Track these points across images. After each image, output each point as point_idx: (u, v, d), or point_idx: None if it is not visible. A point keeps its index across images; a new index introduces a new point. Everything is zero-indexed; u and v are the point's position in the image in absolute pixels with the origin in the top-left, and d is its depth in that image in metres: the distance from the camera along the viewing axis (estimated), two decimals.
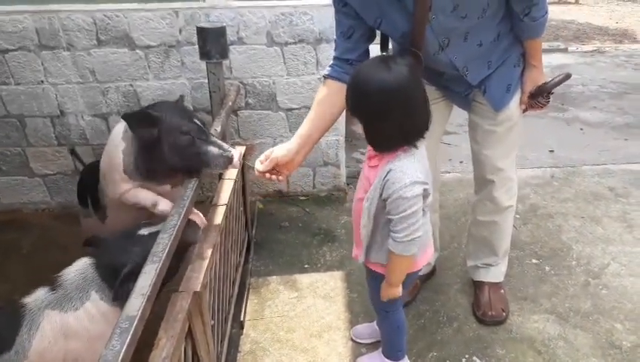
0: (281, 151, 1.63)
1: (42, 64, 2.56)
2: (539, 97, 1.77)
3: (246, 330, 2.06)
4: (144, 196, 1.74)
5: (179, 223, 1.34)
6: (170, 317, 1.21)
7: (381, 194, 1.41)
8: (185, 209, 1.42)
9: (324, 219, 2.83)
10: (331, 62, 1.71)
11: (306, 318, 2.12)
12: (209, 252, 1.50)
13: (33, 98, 2.64)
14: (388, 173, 1.38)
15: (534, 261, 2.46)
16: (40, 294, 1.45)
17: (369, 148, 1.49)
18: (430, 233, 1.62)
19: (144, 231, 1.54)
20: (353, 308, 2.18)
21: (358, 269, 2.41)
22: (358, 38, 1.65)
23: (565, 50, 6.60)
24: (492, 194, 1.96)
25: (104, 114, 2.72)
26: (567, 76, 1.74)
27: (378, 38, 1.74)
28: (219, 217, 1.70)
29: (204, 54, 2.12)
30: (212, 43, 2.08)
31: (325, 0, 2.58)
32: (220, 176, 1.97)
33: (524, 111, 1.86)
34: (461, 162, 3.38)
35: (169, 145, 1.65)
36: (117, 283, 1.39)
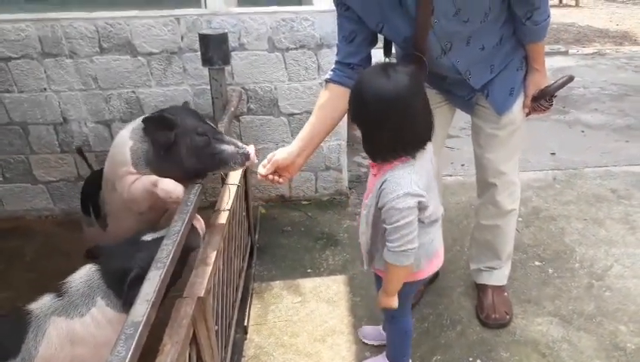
0: (282, 154, 1.65)
1: (45, 72, 2.58)
2: (542, 100, 1.78)
3: (250, 335, 2.06)
4: (143, 181, 1.70)
5: (182, 229, 1.35)
6: (175, 322, 1.21)
7: (377, 203, 1.41)
8: (188, 215, 1.42)
9: (327, 223, 2.84)
10: (333, 66, 1.71)
11: (309, 322, 2.13)
12: (213, 257, 1.50)
13: (36, 105, 2.66)
14: (383, 182, 1.38)
15: (537, 263, 2.46)
16: (46, 301, 1.45)
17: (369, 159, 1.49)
18: (439, 242, 1.59)
19: (148, 237, 1.55)
20: (356, 311, 2.18)
21: (361, 273, 2.41)
22: (360, 42, 1.66)
23: (566, 53, 6.61)
24: (495, 198, 1.96)
25: (107, 121, 2.73)
26: (570, 78, 1.74)
27: (381, 43, 1.75)
28: (222, 223, 1.71)
29: (207, 61, 2.13)
30: (214, 49, 2.10)
31: (326, 6, 2.60)
32: (223, 182, 1.98)
33: (528, 114, 1.86)
34: (463, 165, 3.39)
35: (186, 147, 1.67)
36: (125, 288, 1.39)
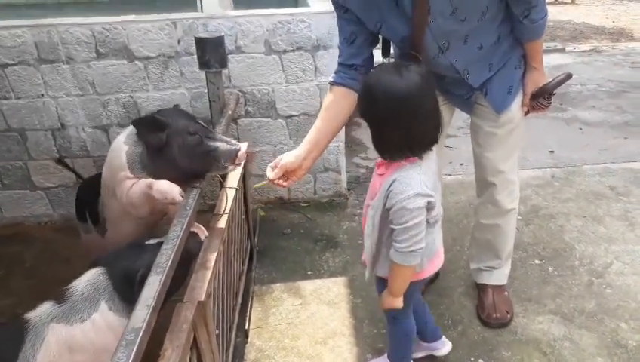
0: (289, 158, 1.65)
1: (42, 78, 2.58)
2: (540, 98, 1.78)
3: (251, 339, 2.06)
4: (139, 185, 1.70)
5: (182, 234, 1.35)
6: (175, 327, 1.21)
7: (385, 204, 1.41)
8: (187, 219, 1.42)
9: (326, 225, 2.83)
10: (336, 68, 1.73)
11: (310, 325, 2.12)
12: (212, 261, 1.50)
13: (34, 112, 2.65)
14: (392, 183, 1.38)
15: (537, 262, 2.46)
16: (45, 308, 1.45)
17: (378, 155, 1.49)
18: (439, 241, 1.60)
19: (152, 241, 1.57)
20: (357, 313, 2.18)
21: (362, 275, 2.40)
22: (361, 43, 1.67)
23: (563, 51, 6.61)
24: (494, 197, 1.96)
25: (104, 125, 2.73)
26: (568, 76, 1.73)
27: (380, 44, 1.75)
28: (221, 226, 1.71)
29: (203, 64, 2.13)
30: (211, 53, 2.09)
31: (322, 7, 2.60)
32: (222, 185, 1.98)
33: (526, 113, 1.87)
34: (461, 164, 3.39)
35: (178, 146, 1.67)
36: (136, 286, 1.38)
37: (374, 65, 1.71)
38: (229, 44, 2.52)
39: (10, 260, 2.61)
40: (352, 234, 2.73)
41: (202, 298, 1.33)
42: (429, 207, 1.40)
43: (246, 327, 2.09)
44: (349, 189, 3.13)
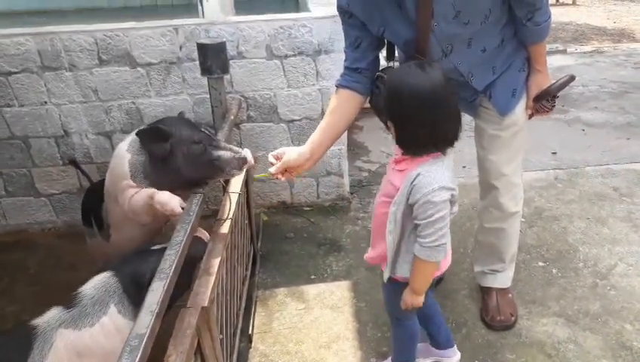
0: (293, 155, 1.67)
1: (45, 85, 2.59)
2: (544, 101, 1.78)
3: (255, 344, 2.06)
4: (142, 194, 1.71)
5: (185, 239, 1.35)
6: (179, 332, 1.21)
7: (408, 199, 1.40)
8: (190, 225, 1.43)
9: (329, 228, 2.84)
10: (342, 72, 1.75)
11: (314, 329, 2.12)
12: (216, 267, 1.50)
13: (37, 119, 2.67)
14: (416, 177, 1.38)
15: (541, 264, 2.46)
16: (53, 313, 1.46)
17: (396, 151, 1.49)
18: (449, 242, 1.58)
19: (158, 247, 1.61)
20: (361, 317, 2.18)
21: (365, 278, 2.41)
22: (365, 47, 1.69)
23: (564, 52, 6.61)
24: (498, 200, 1.95)
25: (108, 132, 2.74)
26: (572, 78, 1.73)
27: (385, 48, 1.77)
28: (224, 231, 1.71)
29: (205, 70, 2.14)
30: (212, 58, 2.10)
31: (323, 12, 2.61)
32: (225, 190, 1.99)
33: (531, 116, 1.86)
34: (464, 167, 3.38)
35: (183, 156, 1.69)
36: (146, 288, 1.39)
37: (380, 68, 1.74)
38: (230, 50, 2.53)
39: (14, 267, 2.62)
40: (355, 238, 2.73)
41: (206, 303, 1.33)
42: (452, 201, 1.41)
43: (250, 332, 2.09)
44: (351, 193, 3.13)
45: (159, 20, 2.57)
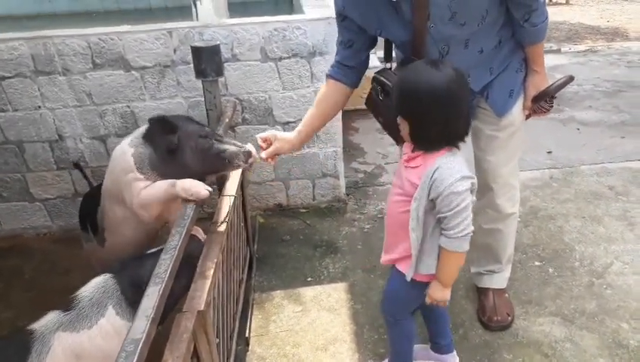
0: (283, 142, 1.79)
1: (39, 89, 2.58)
2: (541, 101, 1.78)
3: (252, 347, 2.05)
4: (160, 185, 1.71)
5: (180, 243, 1.35)
6: (175, 337, 1.21)
7: (429, 195, 1.40)
8: (186, 229, 1.42)
9: (326, 230, 2.83)
10: (333, 62, 1.79)
11: (311, 332, 2.12)
12: (211, 270, 1.50)
13: (31, 124, 2.66)
14: (435, 171, 1.39)
15: (537, 263, 2.46)
16: (51, 317, 1.46)
17: (409, 149, 1.50)
18: None
19: (154, 250, 1.63)
20: (358, 319, 2.17)
21: (362, 280, 2.41)
22: (358, 48, 1.73)
23: (558, 51, 6.62)
24: (494, 201, 1.95)
25: (102, 136, 2.73)
26: (570, 79, 1.73)
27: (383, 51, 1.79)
28: (220, 235, 1.71)
29: (200, 73, 2.13)
30: (207, 61, 2.10)
31: (317, 14, 2.61)
32: (220, 193, 1.98)
33: (528, 117, 1.86)
34: None
35: (191, 150, 1.72)
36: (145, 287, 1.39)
37: (369, 64, 1.81)
38: (225, 53, 2.53)
39: (10, 272, 2.61)
40: (351, 240, 2.73)
41: (202, 307, 1.33)
42: (472, 189, 1.42)
43: (247, 335, 2.08)
44: (347, 194, 3.13)
45: (153, 24, 2.56)
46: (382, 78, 1.67)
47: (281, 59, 2.66)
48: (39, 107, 2.62)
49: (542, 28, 1.63)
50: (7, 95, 2.57)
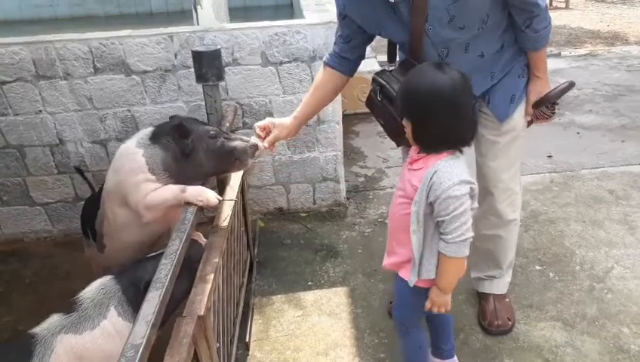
0: (281, 128, 1.83)
1: (40, 94, 2.59)
2: (543, 107, 1.77)
3: (252, 351, 2.05)
4: (170, 189, 1.72)
5: (180, 248, 1.35)
6: (175, 342, 1.21)
7: (427, 197, 1.40)
8: (186, 233, 1.42)
9: (326, 234, 2.83)
10: (331, 51, 1.83)
11: (311, 336, 2.12)
12: (212, 275, 1.50)
13: (32, 128, 2.66)
14: (433, 174, 1.38)
15: (538, 268, 2.46)
16: (53, 320, 1.47)
17: (412, 150, 1.50)
18: None
19: (154, 253, 1.63)
20: (359, 324, 2.17)
21: (362, 284, 2.41)
22: (356, 44, 1.77)
23: (558, 55, 6.63)
24: (495, 206, 1.93)
25: (103, 140, 2.74)
26: (571, 84, 1.71)
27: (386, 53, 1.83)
28: (220, 239, 1.71)
29: (200, 77, 2.14)
30: (208, 66, 2.10)
31: (317, 19, 2.61)
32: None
33: (530, 123, 1.86)
34: None
35: (204, 150, 1.76)
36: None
37: (365, 55, 1.86)
38: (225, 57, 2.53)
39: (10, 277, 2.61)
40: (352, 244, 2.73)
41: (202, 312, 1.32)
42: (472, 195, 1.40)
43: (247, 340, 2.08)
44: (348, 198, 3.13)
45: (154, 28, 2.57)
46: (380, 80, 1.68)
47: (281, 63, 2.66)
48: (40, 111, 2.63)
49: (544, 34, 1.62)
50: (8, 99, 2.58)
